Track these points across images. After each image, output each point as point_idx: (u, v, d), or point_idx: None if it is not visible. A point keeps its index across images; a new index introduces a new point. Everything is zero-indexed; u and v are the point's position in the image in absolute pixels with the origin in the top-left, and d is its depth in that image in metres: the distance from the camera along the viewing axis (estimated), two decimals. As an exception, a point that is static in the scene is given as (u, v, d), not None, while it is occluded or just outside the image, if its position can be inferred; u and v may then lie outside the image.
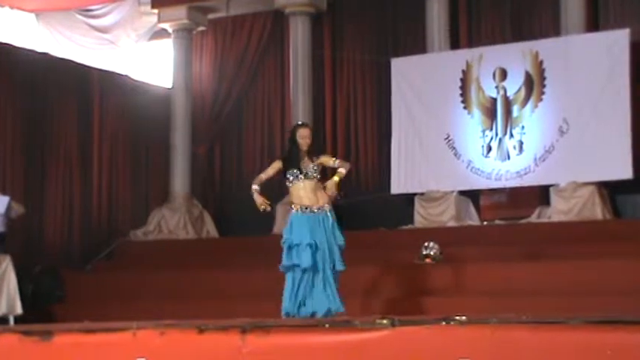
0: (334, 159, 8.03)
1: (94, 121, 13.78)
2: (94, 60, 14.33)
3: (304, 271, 7.76)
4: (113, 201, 13.92)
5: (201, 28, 14.87)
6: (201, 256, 12.55)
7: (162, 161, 14.50)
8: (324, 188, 7.84)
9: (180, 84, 14.55)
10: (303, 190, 7.83)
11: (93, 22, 14.39)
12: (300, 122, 8.71)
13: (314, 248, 7.71)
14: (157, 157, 14.59)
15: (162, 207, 14.18)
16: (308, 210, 7.81)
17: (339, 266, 7.75)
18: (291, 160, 7.91)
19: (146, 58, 15.42)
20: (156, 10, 14.55)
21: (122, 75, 14.49)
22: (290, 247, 7.85)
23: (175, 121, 14.44)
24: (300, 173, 7.83)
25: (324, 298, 7.72)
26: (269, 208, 8.14)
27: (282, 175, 7.99)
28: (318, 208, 7.80)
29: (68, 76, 13.38)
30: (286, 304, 7.85)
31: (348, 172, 7.97)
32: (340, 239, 7.79)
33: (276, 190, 13.93)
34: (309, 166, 7.84)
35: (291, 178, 7.89)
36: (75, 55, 14.14)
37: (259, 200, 8.11)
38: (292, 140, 7.99)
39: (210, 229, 14.31)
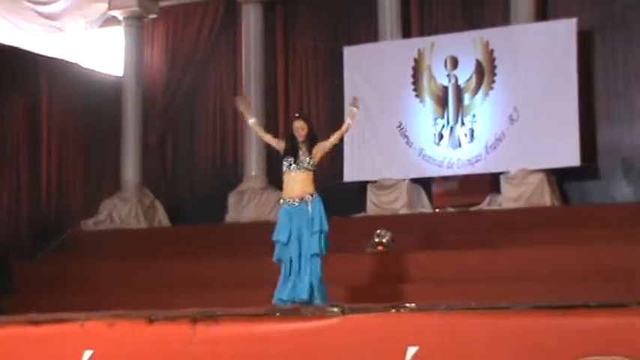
0: (328, 140, 8.23)
1: (43, 109, 13.60)
2: (42, 47, 14.13)
3: (281, 262, 8.01)
4: (63, 190, 13.76)
5: (152, 16, 14.73)
6: (152, 246, 12.48)
7: (114, 150, 14.36)
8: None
9: (131, 72, 14.41)
10: (293, 180, 8.07)
11: (40, 8, 14.16)
12: (296, 114, 8.90)
13: (286, 243, 7.96)
14: (107, 146, 14.44)
15: (113, 196, 14.05)
16: (290, 201, 8.03)
17: (311, 250, 7.92)
18: (289, 150, 8.12)
19: (96, 45, 15.25)
20: (106, -3, 14.41)
21: (72, 63, 14.31)
22: (275, 242, 8.12)
23: (126, 110, 14.30)
24: (294, 163, 8.03)
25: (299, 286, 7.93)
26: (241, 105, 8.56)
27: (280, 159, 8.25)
28: (301, 199, 7.99)
29: (16, 63, 13.19)
30: (281, 294, 8.01)
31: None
32: (317, 226, 7.94)
33: (231, 179, 13.99)
34: (305, 159, 8.05)
35: (285, 166, 8.13)
36: (22, 42, 13.93)
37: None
38: (290, 132, 8.25)
39: (162, 218, 14.22)
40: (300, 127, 8.12)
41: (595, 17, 12.36)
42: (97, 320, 4.87)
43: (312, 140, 8.15)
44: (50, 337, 4.86)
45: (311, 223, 7.95)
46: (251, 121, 8.52)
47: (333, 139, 8.25)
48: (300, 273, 7.95)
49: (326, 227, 8.00)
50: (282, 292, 7.95)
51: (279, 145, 8.28)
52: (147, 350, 4.77)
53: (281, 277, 8.05)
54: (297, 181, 8.03)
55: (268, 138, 8.46)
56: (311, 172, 8.08)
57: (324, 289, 7.95)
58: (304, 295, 7.84)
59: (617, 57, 12.25)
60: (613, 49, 12.27)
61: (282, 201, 8.19)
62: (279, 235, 8.04)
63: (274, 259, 8.10)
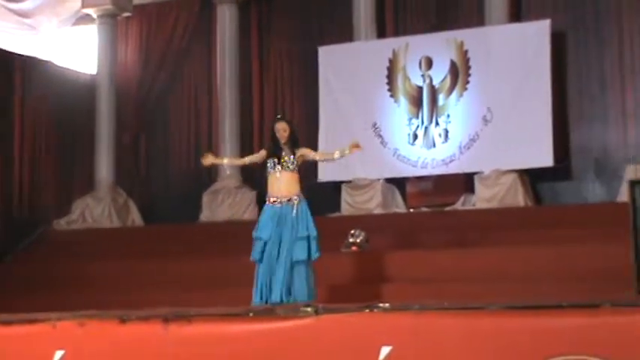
0: (313, 152, 8.41)
1: (16, 107, 13.50)
2: (15, 45, 14.03)
3: (258, 262, 8.03)
4: (36, 190, 13.67)
5: (126, 14, 14.66)
6: (126, 245, 12.42)
7: (87, 149, 14.28)
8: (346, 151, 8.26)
9: (105, 71, 14.33)
10: (277, 181, 8.13)
11: (12, 5, 14.03)
12: (278, 116, 9.02)
13: (267, 242, 7.99)
14: (81, 145, 14.36)
15: (86, 195, 13.98)
16: (277, 202, 8.09)
17: (298, 257, 7.96)
18: (272, 152, 8.21)
19: (70, 43, 15.16)
20: (80, -5, 14.32)
21: (45, 61, 14.22)
22: (254, 239, 8.15)
23: (100, 109, 14.23)
24: (278, 164, 8.11)
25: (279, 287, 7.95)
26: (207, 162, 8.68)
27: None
28: (288, 200, 8.04)
29: (-12, 61, 13.11)
30: (256, 296, 8.05)
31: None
32: (304, 231, 7.98)
33: (205, 178, 13.95)
34: (289, 159, 8.12)
35: (268, 167, 8.18)
36: (-5, 40, 13.84)
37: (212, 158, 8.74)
38: (272, 134, 8.30)
39: (136, 217, 14.16)
40: (282, 129, 8.22)
41: (568, 19, 12.44)
42: (68, 320, 4.83)
43: (294, 141, 8.23)
44: (21, 338, 4.82)
45: (296, 228, 7.98)
46: (225, 161, 8.77)
47: (319, 156, 8.43)
48: (275, 274, 7.95)
49: (314, 232, 8.04)
50: (258, 295, 7.96)
51: (260, 156, 8.36)
52: (119, 350, 4.74)
53: (258, 278, 8.04)
54: (283, 181, 8.11)
55: (249, 160, 8.62)
56: (295, 172, 8.13)
57: (313, 295, 7.99)
58: (277, 298, 7.85)
59: (590, 58, 12.33)
60: (586, 50, 12.35)
61: (267, 200, 8.21)
62: (261, 232, 8.05)
63: (252, 257, 8.09)
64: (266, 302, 7.86)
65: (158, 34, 14.84)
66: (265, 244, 8.01)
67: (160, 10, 14.84)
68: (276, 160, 8.14)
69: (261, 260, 8.04)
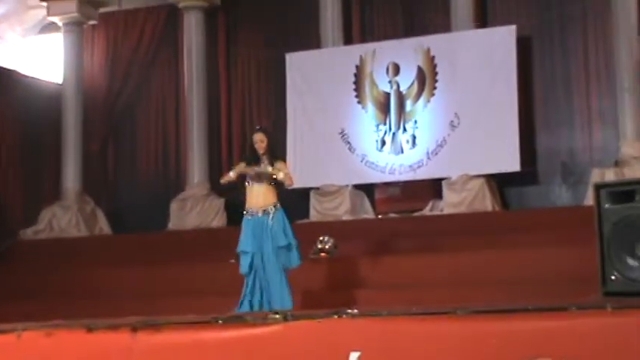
0: (284, 172, 8.15)
1: (-19, 117, 13.42)
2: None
3: (248, 275, 8.05)
4: (1, 200, 13.55)
5: (92, 22, 14.60)
6: (94, 254, 12.35)
7: (54, 158, 14.19)
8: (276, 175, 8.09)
9: (71, 79, 14.26)
10: (255, 192, 8.12)
11: (-24, 14, 13.98)
12: (257, 127, 8.95)
13: (252, 254, 8.01)
14: (47, 154, 14.27)
15: (53, 205, 13.88)
16: (254, 214, 8.07)
17: (278, 265, 7.98)
18: (250, 163, 8.19)
19: (35, 52, 15.06)
20: (45, 3, 14.22)
21: (10, 70, 14.12)
22: (240, 254, 8.17)
23: (66, 118, 14.15)
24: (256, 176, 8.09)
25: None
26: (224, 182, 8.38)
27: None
28: (264, 211, 8.04)
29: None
30: (242, 306, 8.05)
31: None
32: (283, 241, 7.97)
33: (172, 186, 13.90)
34: (266, 171, 8.08)
35: (247, 179, 8.16)
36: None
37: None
38: (250, 145, 8.31)
39: (104, 226, 14.08)
40: (259, 140, 8.21)
41: (534, 24, 12.55)
42: (34, 330, 4.78)
43: (272, 153, 8.22)
44: (-13, 349, 4.77)
45: (275, 238, 7.98)
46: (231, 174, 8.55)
47: (280, 175, 8.16)
48: (260, 286, 7.98)
49: (293, 240, 8.04)
50: (245, 306, 7.97)
51: (240, 168, 8.26)
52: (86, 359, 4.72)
53: (246, 290, 8.06)
54: (260, 192, 8.09)
55: (233, 174, 8.31)
56: (273, 184, 8.11)
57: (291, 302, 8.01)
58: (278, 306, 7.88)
59: (556, 63, 12.45)
60: (551, 55, 12.46)
61: (245, 212, 8.20)
62: (245, 246, 8.08)
63: (241, 271, 8.10)
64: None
65: (125, 42, 14.79)
66: (252, 256, 8.01)
67: (126, 18, 14.79)
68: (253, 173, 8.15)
69: (249, 273, 8.05)
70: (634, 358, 3.94)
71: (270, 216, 8.04)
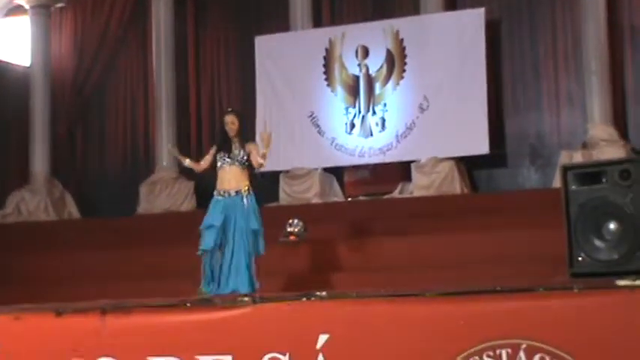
0: (255, 154, 8.15)
1: (-53, 100, 13.27)
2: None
3: (211, 252, 7.99)
4: (-32, 184, 13.46)
5: (59, 5, 14.46)
6: (62, 238, 12.28)
7: (21, 142, 14.07)
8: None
9: (39, 62, 14.14)
10: (227, 174, 8.11)
11: (-58, -3, 13.80)
12: (228, 109, 8.90)
13: (219, 230, 7.96)
14: (15, 138, 14.15)
15: (21, 189, 13.78)
16: (226, 194, 8.06)
17: (248, 249, 8.01)
18: (222, 146, 8.20)
19: (2, 35, 14.90)
20: (11, -14, 14.08)
21: (-23, 53, 14.00)
22: (202, 230, 8.11)
23: (34, 101, 14.04)
24: (228, 157, 8.09)
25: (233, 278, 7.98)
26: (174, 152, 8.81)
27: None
28: (236, 192, 8.00)
29: None
30: (205, 286, 8.02)
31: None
32: (255, 224, 7.97)
33: (143, 170, 13.84)
34: (238, 153, 8.10)
35: (219, 162, 8.17)
36: None
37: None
38: (221, 127, 8.33)
39: (72, 210, 14.00)
40: (230, 122, 8.20)
41: (502, 7, 12.59)
42: (3, 314, 4.77)
43: (243, 135, 8.20)
44: (-46, 333, 4.75)
45: (247, 219, 7.96)
46: (187, 162, 8.70)
47: (255, 161, 8.18)
48: (230, 266, 7.95)
49: (260, 227, 8.04)
50: (209, 287, 7.94)
51: (212, 151, 8.31)
52: (55, 343, 4.69)
53: (207, 270, 8.02)
54: (233, 174, 8.08)
55: (204, 165, 8.43)
56: (246, 167, 8.09)
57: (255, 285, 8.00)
58: (244, 288, 7.87)
59: (524, 46, 12.50)
60: (520, 38, 12.51)
61: (215, 193, 8.16)
62: (213, 220, 8.00)
63: (202, 247, 8.04)
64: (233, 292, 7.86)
65: (93, 24, 14.66)
66: (217, 233, 7.96)
67: (94, 0, 14.65)
68: (225, 154, 8.11)
69: (212, 250, 8.00)
70: (600, 338, 3.99)
71: (245, 199, 8.01)
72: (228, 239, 7.97)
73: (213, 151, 8.32)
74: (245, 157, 8.11)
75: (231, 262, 7.96)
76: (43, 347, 4.74)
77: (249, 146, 8.19)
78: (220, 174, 8.15)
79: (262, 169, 12.24)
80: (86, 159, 14.83)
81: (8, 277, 10.89)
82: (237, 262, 7.94)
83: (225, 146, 8.17)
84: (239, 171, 8.08)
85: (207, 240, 8.02)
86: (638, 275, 4.18)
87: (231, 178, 8.07)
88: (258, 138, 8.77)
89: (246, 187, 8.06)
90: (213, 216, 8.04)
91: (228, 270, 7.94)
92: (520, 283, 4.45)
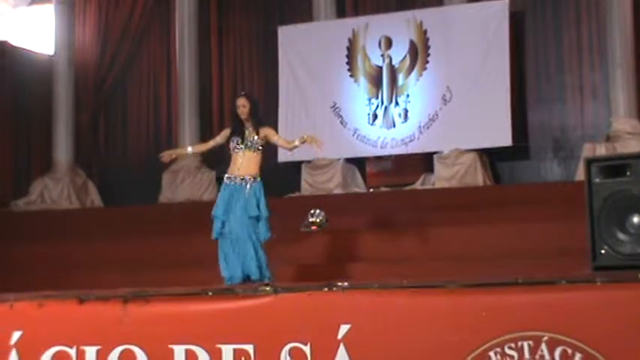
0: (277, 135, 8.28)
1: (-29, 88, 13.35)
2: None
3: (221, 239, 8.00)
4: (-8, 171, 13.53)
5: (84, -6, 14.52)
6: (85, 226, 12.33)
7: (45, 130, 14.14)
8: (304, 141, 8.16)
9: (63, 51, 14.19)
10: (240, 159, 8.02)
11: (-34, -15, 13.87)
12: (241, 92, 8.78)
13: (223, 219, 7.95)
14: (38, 126, 14.21)
15: (44, 176, 13.86)
16: (232, 180, 8.00)
17: (261, 236, 7.96)
18: (235, 130, 8.10)
19: (27, 23, 14.97)
20: (36, -26, 14.15)
21: (1, 41, 14.03)
22: (213, 217, 8.10)
23: (58, 89, 14.10)
24: (242, 142, 8.00)
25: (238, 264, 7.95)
26: (166, 159, 8.66)
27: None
28: (242, 180, 7.96)
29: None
30: (222, 271, 8.02)
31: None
32: (253, 211, 7.92)
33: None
34: (252, 138, 8.02)
35: (231, 146, 8.08)
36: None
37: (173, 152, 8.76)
38: (233, 111, 8.21)
39: (95, 198, 14.07)
40: (241, 105, 8.07)
41: (527, -1, 12.51)
42: (26, 301, 4.80)
43: (256, 119, 8.11)
44: (-22, 319, 4.79)
45: (246, 207, 7.95)
46: (189, 150, 8.88)
47: (281, 141, 8.28)
48: (234, 252, 7.96)
49: (266, 212, 7.99)
50: (228, 269, 7.95)
51: (224, 135, 8.24)
52: (77, 330, 4.72)
53: (220, 257, 8.04)
54: (244, 159, 8.00)
55: (213, 143, 8.42)
56: (259, 152, 8.05)
57: (265, 274, 7.99)
58: (247, 274, 7.87)
59: (548, 38, 12.42)
60: (544, 30, 12.43)
61: (225, 177, 8.14)
62: (217, 210, 8.03)
63: (213, 235, 8.08)
64: (231, 278, 7.89)
65: (117, 13, 14.70)
66: (223, 222, 7.99)
67: (118, -11, 14.69)
68: (239, 139, 8.06)
69: (219, 238, 8.04)
70: (622, 331, 3.97)
71: (248, 186, 7.98)
72: (232, 226, 7.95)
73: (225, 132, 8.25)
74: (258, 142, 8.04)
75: (236, 249, 7.95)
76: (65, 334, 4.78)
77: (265, 130, 8.12)
78: (234, 158, 8.07)
79: (284, 160, 12.37)
80: (109, 147, 14.89)
81: (32, 265, 10.97)
82: (242, 250, 7.93)
83: (238, 130, 8.09)
84: (252, 156, 8.01)
85: (215, 229, 8.05)
86: (661, 269, 4.16)
87: (243, 163, 7.99)
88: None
89: (253, 175, 8.01)
90: (217, 207, 8.05)
91: (237, 257, 7.94)
92: (542, 275, 4.43)
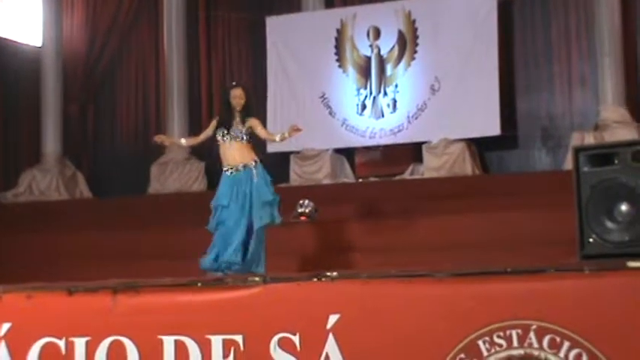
0: (261, 127, 8.17)
1: (-42, 80, 13.30)
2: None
3: (216, 229, 7.99)
4: (-20, 163, 13.49)
5: (71, -16, 14.46)
6: (74, 218, 12.31)
7: (33, 121, 14.09)
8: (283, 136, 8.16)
9: (51, 42, 14.13)
10: (229, 150, 8.00)
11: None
12: (234, 83, 8.77)
13: (226, 209, 7.92)
14: (27, 117, 14.17)
15: (33, 168, 13.83)
16: (234, 170, 7.96)
17: (263, 221, 7.91)
18: (223, 121, 8.08)
19: (14, 15, 14.89)
20: (22, -35, 14.08)
21: (-13, 33, 14.00)
22: (214, 208, 8.06)
23: (46, 81, 14.04)
24: (228, 133, 7.97)
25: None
26: (158, 141, 8.86)
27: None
28: (244, 166, 7.93)
29: None
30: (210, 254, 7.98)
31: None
32: (267, 196, 7.88)
33: (154, 150, 13.84)
34: (238, 128, 7.98)
35: (218, 137, 8.06)
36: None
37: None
38: (225, 101, 8.18)
39: (84, 189, 14.04)
40: (238, 96, 8.04)
41: (515, -13, 12.51)
42: (15, 292, 4.80)
43: (247, 111, 8.10)
44: (-34, 311, 4.78)
45: (260, 192, 7.92)
46: (183, 141, 8.99)
47: (263, 134, 8.21)
48: (232, 238, 7.93)
49: (277, 196, 8.02)
50: (225, 255, 7.93)
51: (212, 127, 8.19)
52: (66, 322, 4.72)
53: (219, 240, 8.00)
54: (235, 149, 7.98)
55: (204, 136, 8.38)
56: (246, 142, 8.03)
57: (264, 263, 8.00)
58: (231, 258, 7.84)
59: (536, 27, 12.44)
60: (532, 19, 12.45)
61: (224, 169, 8.10)
62: (221, 199, 7.97)
63: (211, 225, 8.03)
64: (216, 261, 7.86)
65: (105, 5, 14.66)
66: (224, 210, 7.95)
67: (106, -20, 14.64)
68: (225, 130, 8.03)
69: (216, 228, 8.01)
70: (610, 319, 3.99)
71: (254, 171, 7.97)
72: (245, 213, 7.91)
73: (213, 123, 8.23)
74: (244, 132, 8.01)
75: (235, 235, 7.92)
76: (54, 326, 4.77)
77: (251, 121, 8.10)
78: (222, 150, 8.04)
79: (273, 150, 12.35)
80: (97, 139, 14.86)
81: (20, 256, 10.94)
82: (240, 236, 7.89)
83: (226, 121, 8.07)
84: (242, 145, 7.99)
85: (213, 219, 8.03)
86: (649, 257, 4.17)
87: (234, 153, 7.98)
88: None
89: (254, 161, 8.00)
90: (221, 196, 7.99)
91: (223, 241, 7.92)
92: (530, 264, 4.44)
